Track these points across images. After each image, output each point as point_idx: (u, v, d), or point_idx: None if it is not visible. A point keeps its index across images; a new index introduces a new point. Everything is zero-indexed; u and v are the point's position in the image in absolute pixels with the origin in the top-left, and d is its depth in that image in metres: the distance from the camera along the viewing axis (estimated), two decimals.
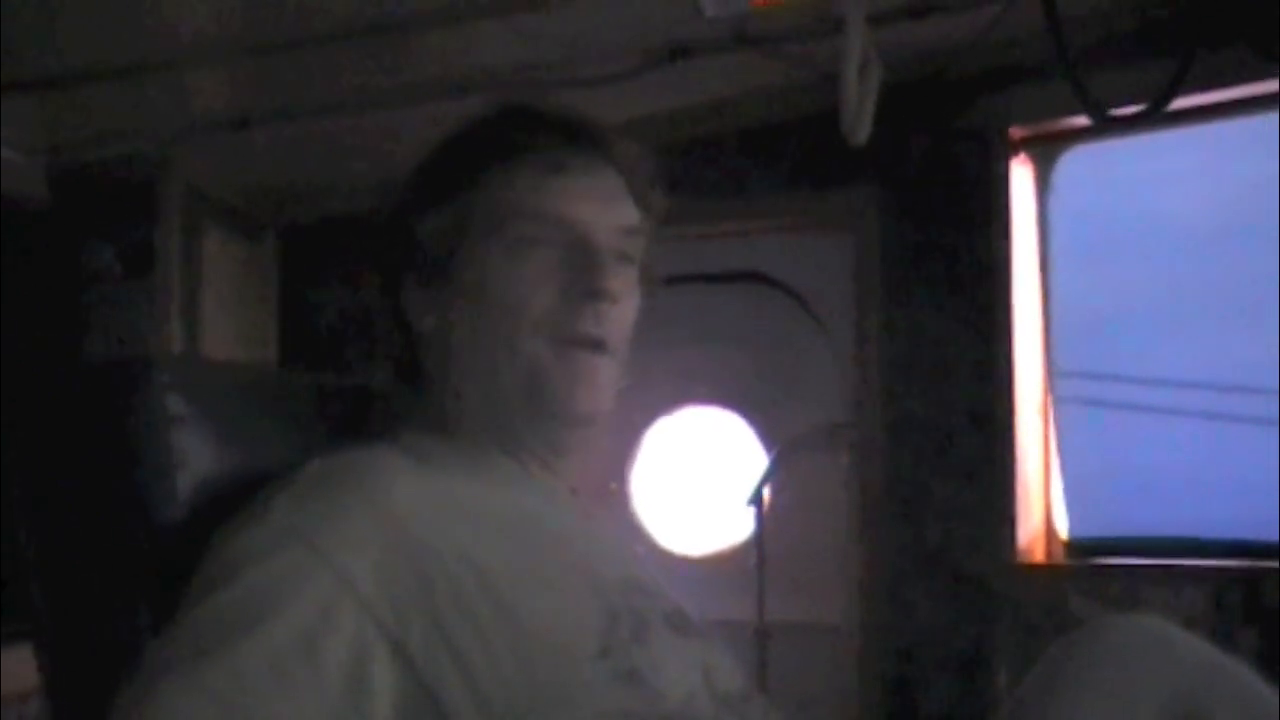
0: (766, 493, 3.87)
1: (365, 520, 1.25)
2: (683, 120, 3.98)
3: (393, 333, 1.46)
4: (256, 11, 3.18)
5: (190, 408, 1.38)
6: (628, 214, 1.44)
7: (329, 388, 1.64)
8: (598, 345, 1.40)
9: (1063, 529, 3.81)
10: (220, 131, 3.75)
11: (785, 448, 3.95)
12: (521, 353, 1.38)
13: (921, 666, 3.79)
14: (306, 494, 1.28)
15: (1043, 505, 3.81)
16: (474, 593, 1.25)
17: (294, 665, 1.17)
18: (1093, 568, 3.74)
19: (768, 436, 4.17)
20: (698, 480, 4.38)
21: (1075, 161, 3.82)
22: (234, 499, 1.30)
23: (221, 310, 4.27)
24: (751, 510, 3.86)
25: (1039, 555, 3.77)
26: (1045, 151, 3.83)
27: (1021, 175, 3.80)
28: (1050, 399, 3.85)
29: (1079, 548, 3.80)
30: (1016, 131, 3.76)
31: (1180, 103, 3.20)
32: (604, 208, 1.42)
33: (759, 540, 3.84)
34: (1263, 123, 3.42)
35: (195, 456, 1.37)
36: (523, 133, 1.42)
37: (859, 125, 2.77)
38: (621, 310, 1.43)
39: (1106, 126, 3.38)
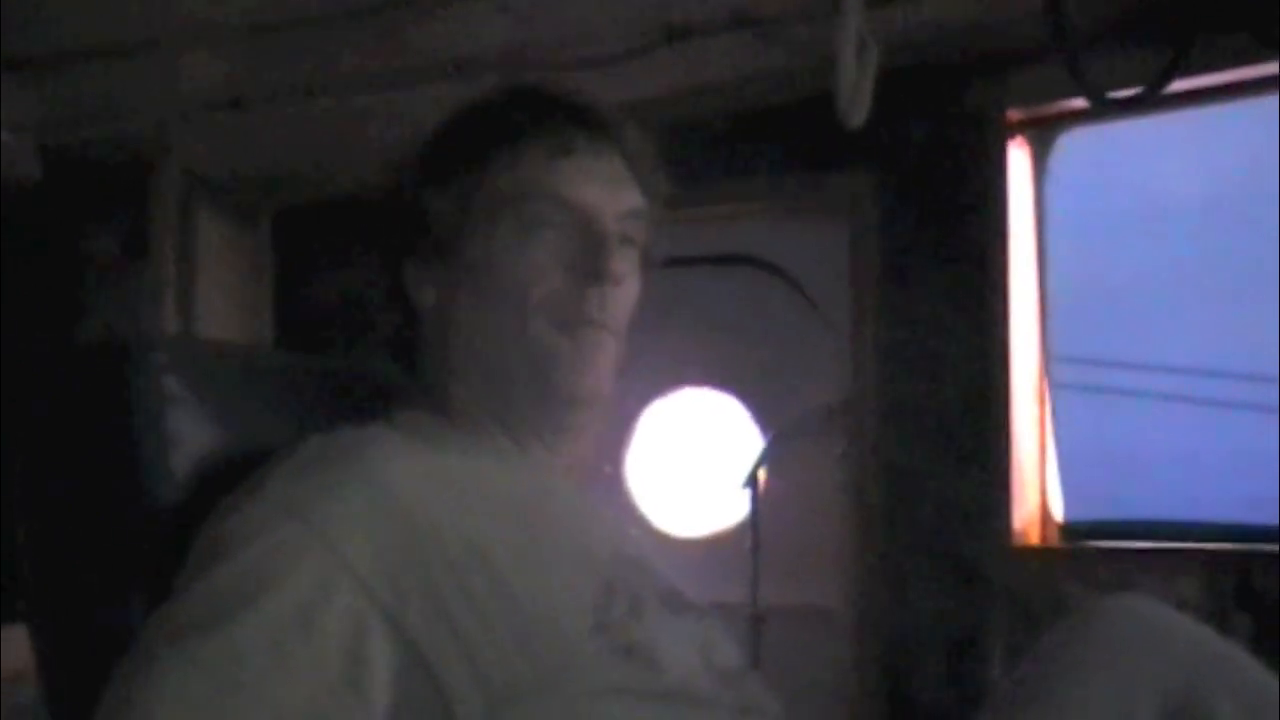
0: (762, 475, 3.87)
1: (361, 497, 1.25)
2: (679, 102, 3.97)
3: (390, 310, 1.47)
4: None
5: (186, 388, 1.38)
6: (632, 197, 1.45)
7: (325, 369, 1.63)
8: (603, 326, 1.40)
9: (1058, 513, 3.82)
10: (216, 114, 3.74)
11: (781, 431, 3.94)
12: (525, 333, 1.38)
13: (916, 650, 3.80)
14: (302, 471, 1.28)
15: (1038, 489, 3.81)
16: (470, 569, 1.25)
17: (291, 640, 1.17)
18: (1087, 551, 3.75)
19: (763, 419, 4.17)
20: (693, 463, 4.38)
21: (1073, 144, 3.82)
22: (230, 480, 1.30)
23: (217, 293, 4.27)
24: (746, 493, 3.86)
25: (1034, 539, 3.77)
26: (1042, 134, 3.83)
27: (1018, 158, 3.80)
28: (1046, 383, 3.86)
29: (1074, 531, 3.80)
30: (1013, 114, 3.76)
31: (1177, 86, 3.20)
32: (610, 191, 1.42)
33: (754, 523, 3.84)
34: (1262, 102, 3.42)
35: (191, 437, 1.36)
36: (531, 114, 1.42)
37: (855, 109, 2.76)
38: (624, 292, 1.44)
39: (1104, 110, 3.38)
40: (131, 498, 1.34)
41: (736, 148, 4.05)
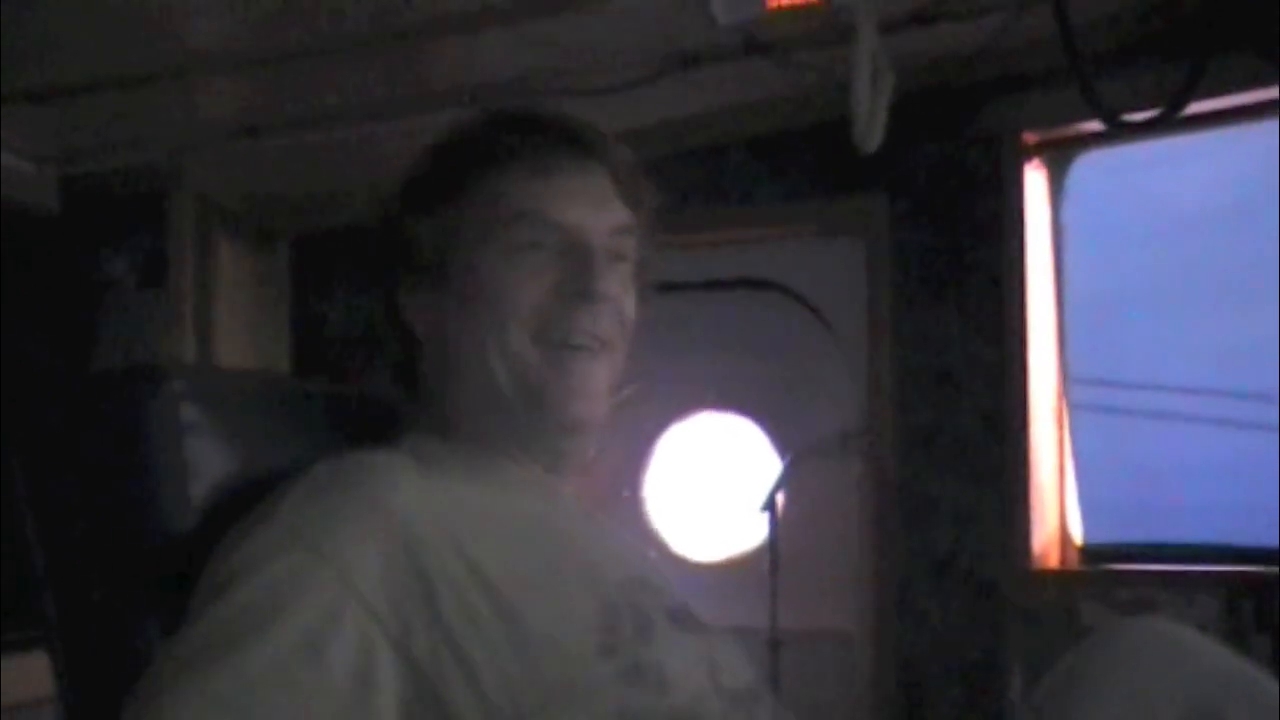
0: (780, 499, 3.87)
1: (368, 523, 1.26)
2: (694, 128, 3.98)
3: (391, 339, 1.47)
4: (267, 21, 3.19)
5: (203, 416, 1.38)
6: (619, 214, 1.45)
7: (339, 395, 1.64)
8: (594, 347, 1.40)
9: (1077, 535, 3.81)
10: (231, 141, 3.76)
11: (798, 454, 3.94)
12: (516, 355, 1.38)
13: (935, 673, 3.79)
14: (310, 497, 1.28)
15: (1057, 511, 3.80)
16: (476, 594, 1.26)
17: (300, 668, 1.18)
18: (1106, 574, 3.74)
19: (781, 443, 4.17)
20: (711, 486, 4.38)
21: (1089, 166, 3.81)
22: (246, 506, 1.30)
23: (234, 319, 4.28)
24: (765, 517, 3.86)
25: (1054, 561, 3.76)
26: (1059, 157, 3.83)
27: (1035, 180, 3.80)
28: (1064, 404, 3.85)
29: (1093, 554, 3.79)
30: (1030, 137, 3.76)
31: (1194, 108, 3.20)
32: (595, 209, 1.42)
33: (772, 547, 3.84)
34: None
35: (207, 464, 1.37)
36: (512, 137, 1.43)
37: (871, 134, 2.77)
38: (617, 309, 1.43)
39: (1119, 132, 3.38)
40: (149, 525, 1.35)
41: (751, 173, 4.06)
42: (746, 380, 4.26)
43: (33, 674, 1.62)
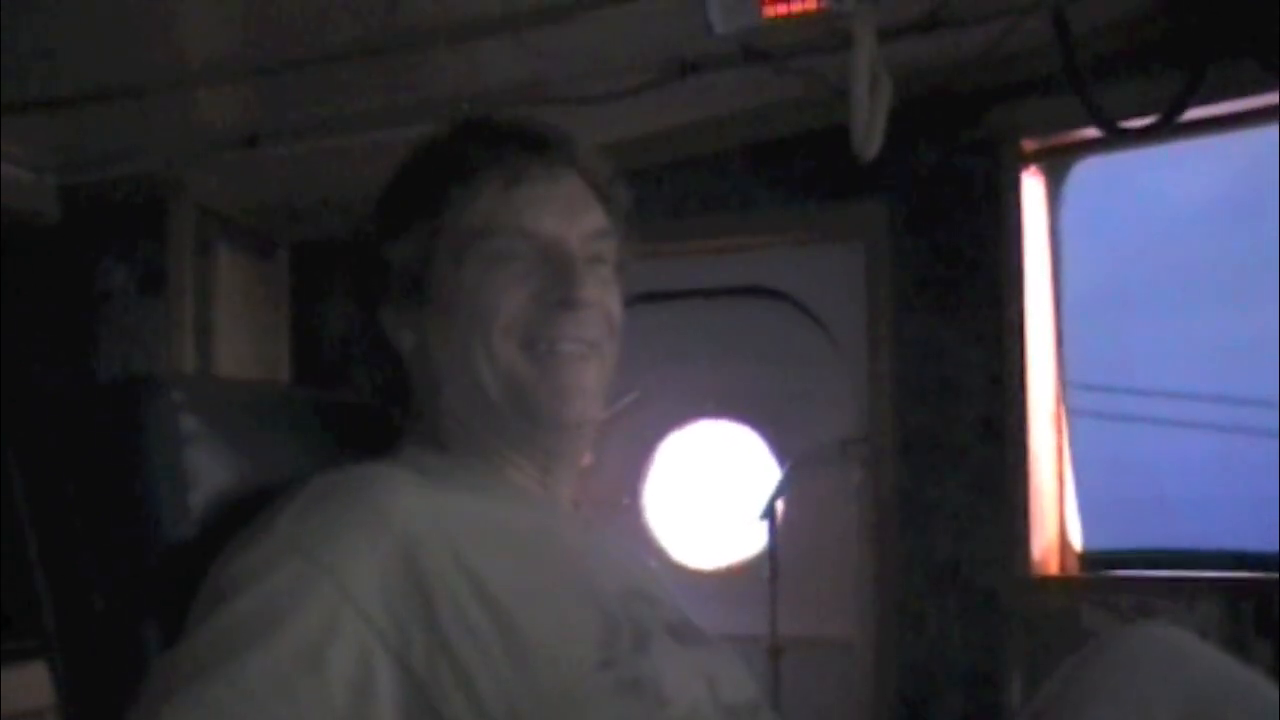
0: (779, 507, 3.87)
1: (366, 534, 1.26)
2: (693, 135, 3.99)
3: (377, 357, 1.47)
4: (266, 30, 3.19)
5: (202, 426, 1.39)
6: (594, 217, 1.44)
7: (338, 405, 1.64)
8: (582, 351, 1.40)
9: (1077, 541, 3.80)
10: (231, 150, 3.76)
11: (798, 462, 3.94)
12: (503, 362, 1.38)
13: (935, 681, 3.78)
14: (309, 509, 1.28)
15: (1057, 518, 3.80)
16: (474, 605, 1.25)
17: (298, 679, 1.18)
18: (1106, 580, 3.74)
19: (780, 450, 4.17)
20: (710, 494, 4.38)
21: (1088, 172, 3.82)
22: (245, 516, 1.30)
23: (233, 327, 4.28)
24: (764, 524, 3.86)
25: (1054, 568, 3.76)
26: (1057, 163, 3.83)
27: (1033, 187, 3.80)
28: (1064, 410, 3.85)
29: (1094, 560, 3.79)
30: (1028, 144, 3.76)
31: (1192, 114, 3.20)
32: (569, 214, 1.42)
33: (772, 554, 3.84)
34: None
35: (207, 474, 1.37)
36: (480, 148, 1.42)
37: (870, 141, 2.77)
38: (602, 311, 1.43)
39: (1118, 139, 3.38)
40: (148, 534, 1.35)
41: (751, 180, 4.06)
42: (746, 387, 4.27)
43: (33, 684, 1.63)
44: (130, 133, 3.73)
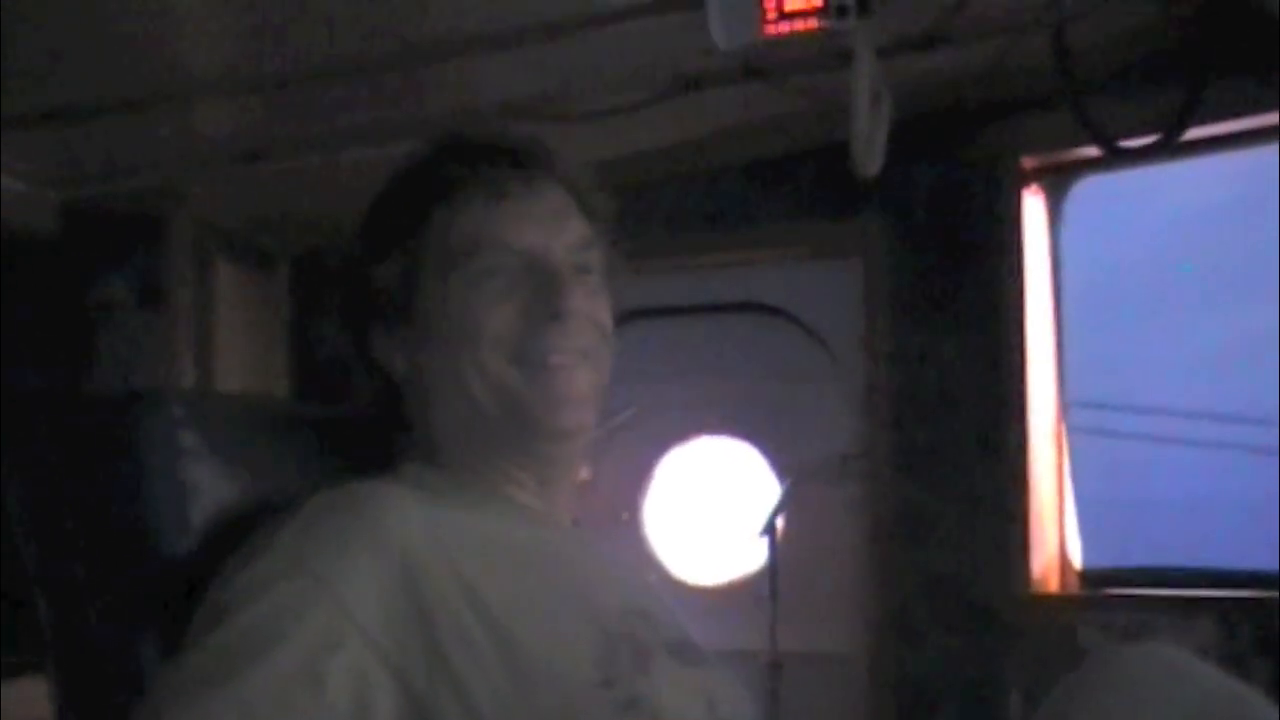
0: (779, 523, 3.87)
1: (367, 551, 1.26)
2: (693, 151, 3.99)
3: (369, 379, 1.47)
4: (265, 45, 3.20)
5: (201, 440, 1.39)
6: (577, 228, 1.44)
7: (337, 420, 1.64)
8: (573, 362, 1.40)
9: (1077, 559, 3.80)
10: (231, 164, 3.76)
11: (797, 478, 3.94)
12: (494, 376, 1.38)
13: (934, 697, 3.78)
14: (309, 526, 1.28)
15: (1057, 535, 3.80)
16: (473, 623, 1.25)
17: (298, 695, 1.18)
18: (1104, 598, 3.73)
19: (780, 466, 4.17)
20: (710, 510, 4.38)
21: (1088, 190, 3.82)
22: (244, 531, 1.30)
23: (233, 341, 4.28)
24: (764, 540, 3.86)
25: (1053, 585, 3.76)
26: (1057, 181, 3.84)
27: (1033, 205, 3.80)
28: (1063, 428, 3.85)
29: (1093, 578, 3.78)
30: (1028, 161, 3.77)
31: (1192, 133, 3.21)
32: (552, 227, 1.41)
33: (772, 570, 3.84)
34: None
35: (206, 489, 1.37)
36: (459, 166, 1.42)
37: (869, 157, 2.77)
38: (590, 319, 1.42)
39: (1117, 158, 3.38)
40: (146, 549, 1.35)
41: (750, 196, 4.07)
42: (745, 403, 4.27)
43: (32, 698, 1.62)
44: (130, 147, 3.74)
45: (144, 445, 1.36)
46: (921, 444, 3.84)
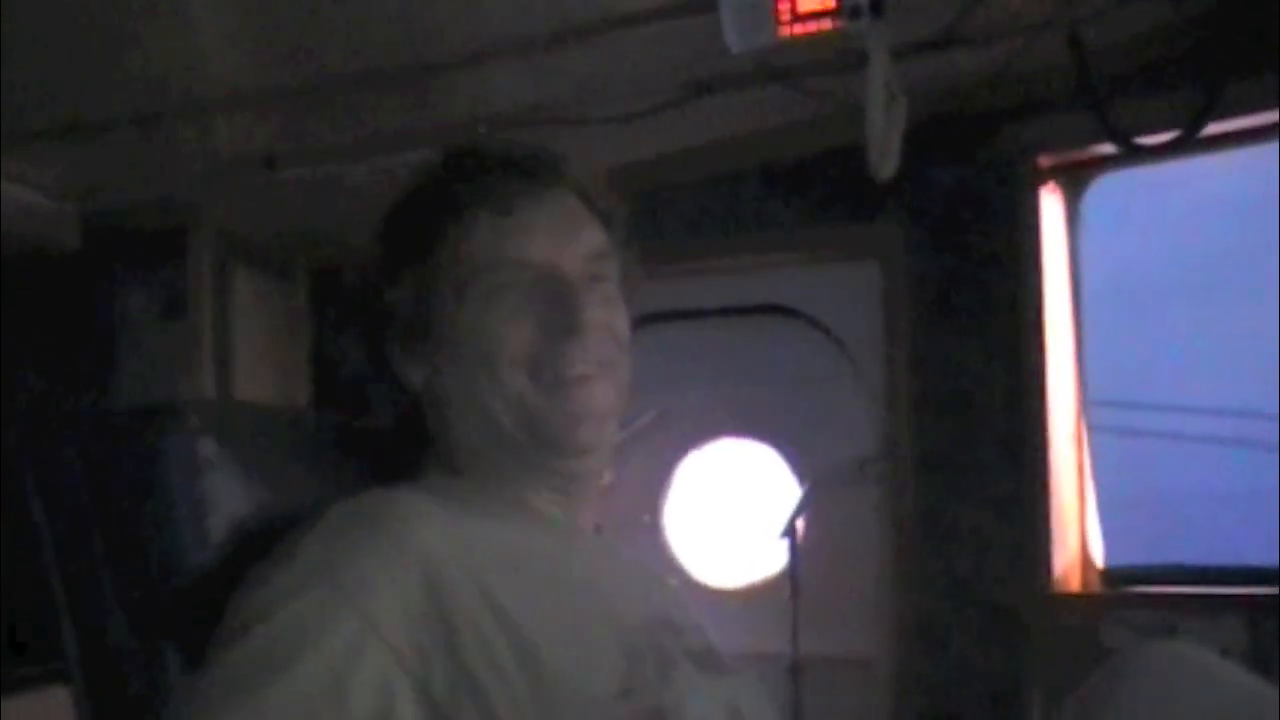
0: (800, 525, 3.86)
1: (390, 561, 1.26)
2: (709, 156, 4.00)
3: (387, 393, 1.47)
4: (283, 56, 3.21)
5: (222, 452, 1.39)
6: (590, 237, 1.44)
7: (359, 430, 1.64)
8: (591, 374, 1.40)
9: (1099, 558, 3.79)
10: (251, 175, 3.77)
11: (818, 480, 3.94)
12: (513, 393, 1.38)
13: (957, 699, 3.77)
14: (332, 536, 1.28)
15: (1078, 534, 3.79)
16: (496, 633, 1.25)
17: (321, 706, 1.18)
18: (1127, 596, 3.72)
19: (800, 469, 4.17)
20: (731, 513, 4.38)
21: (1106, 188, 3.81)
22: (266, 543, 1.30)
23: (253, 352, 4.29)
24: (785, 543, 3.85)
25: (1075, 584, 3.75)
26: (1074, 180, 3.83)
27: (1051, 204, 3.80)
28: (1083, 427, 3.84)
29: (1116, 577, 3.77)
30: (1045, 160, 3.76)
31: (1209, 130, 3.20)
32: (564, 239, 1.41)
33: (793, 573, 3.83)
34: None
35: (227, 500, 1.38)
36: (469, 182, 1.42)
37: (885, 161, 2.77)
38: (607, 330, 1.42)
39: (1134, 156, 3.38)
40: (168, 560, 1.35)
41: (767, 199, 4.07)
42: (764, 406, 4.26)
43: (54, 710, 1.63)
44: (150, 159, 3.75)
45: (165, 456, 1.37)
46: (942, 445, 3.83)
